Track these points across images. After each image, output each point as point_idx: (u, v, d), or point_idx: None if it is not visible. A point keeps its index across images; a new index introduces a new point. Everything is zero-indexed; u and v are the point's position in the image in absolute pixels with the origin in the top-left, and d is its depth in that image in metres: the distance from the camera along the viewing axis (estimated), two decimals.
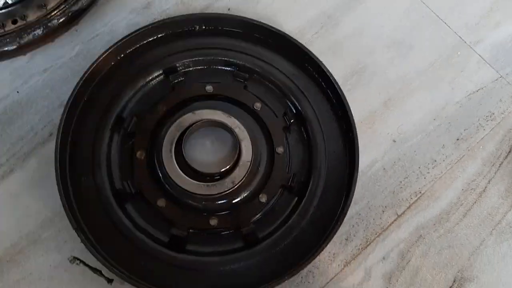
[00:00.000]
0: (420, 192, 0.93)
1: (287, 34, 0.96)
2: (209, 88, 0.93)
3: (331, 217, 0.85)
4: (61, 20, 0.95)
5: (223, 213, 0.85)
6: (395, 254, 0.88)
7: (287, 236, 0.84)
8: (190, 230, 0.84)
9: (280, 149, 0.90)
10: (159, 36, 0.97)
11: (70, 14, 0.96)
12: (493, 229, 0.91)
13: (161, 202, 0.84)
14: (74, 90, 0.86)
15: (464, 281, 0.88)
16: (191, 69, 0.96)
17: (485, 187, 0.94)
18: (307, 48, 0.95)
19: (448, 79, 1.03)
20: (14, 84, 0.96)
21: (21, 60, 0.98)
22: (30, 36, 0.93)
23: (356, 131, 0.88)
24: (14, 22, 0.95)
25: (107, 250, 0.79)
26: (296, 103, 0.94)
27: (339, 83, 0.92)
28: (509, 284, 0.88)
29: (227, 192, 0.85)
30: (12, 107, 0.94)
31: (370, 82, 1.01)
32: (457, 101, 1.01)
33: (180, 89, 0.93)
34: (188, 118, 0.88)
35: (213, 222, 0.84)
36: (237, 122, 0.88)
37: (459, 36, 1.07)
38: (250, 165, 0.86)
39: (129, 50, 0.95)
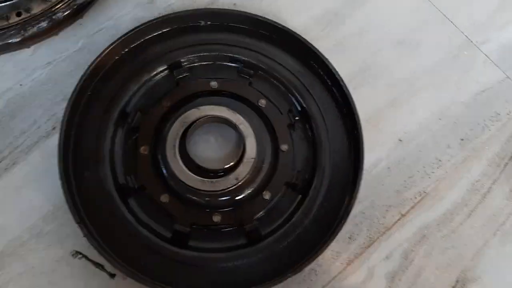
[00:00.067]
0: (425, 192, 0.92)
1: (293, 31, 0.95)
2: (213, 84, 0.92)
3: (335, 216, 0.84)
4: (66, 13, 0.95)
5: (227, 209, 0.85)
6: (399, 254, 0.88)
7: (290, 233, 0.84)
8: (193, 226, 0.83)
9: (284, 147, 0.89)
10: (164, 31, 0.96)
11: (75, 7, 0.96)
12: (497, 230, 0.91)
13: (164, 198, 0.84)
14: (78, 84, 0.86)
15: (467, 282, 0.87)
16: (196, 64, 0.95)
17: (490, 187, 0.94)
18: (312, 45, 0.94)
19: (454, 79, 1.02)
20: (17, 77, 0.96)
21: (24, 53, 0.97)
22: (35, 29, 0.93)
23: (361, 130, 0.88)
24: (18, 14, 0.94)
25: (110, 245, 0.79)
26: (301, 101, 0.93)
27: (344, 81, 0.92)
28: None
29: (231, 188, 0.84)
30: (15, 100, 0.94)
31: (375, 80, 1.01)
32: (463, 101, 1.01)
33: (185, 85, 0.93)
34: (193, 113, 0.88)
35: (216, 218, 0.84)
36: (241, 118, 0.88)
37: (466, 36, 1.06)
38: (254, 162, 0.86)
39: (133, 45, 0.94)
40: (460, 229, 0.90)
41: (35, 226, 0.85)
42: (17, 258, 0.84)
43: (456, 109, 1.00)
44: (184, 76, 0.94)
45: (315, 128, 0.91)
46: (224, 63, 0.96)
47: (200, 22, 0.97)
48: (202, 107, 0.88)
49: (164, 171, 0.85)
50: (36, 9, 0.94)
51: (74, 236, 0.84)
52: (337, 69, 0.92)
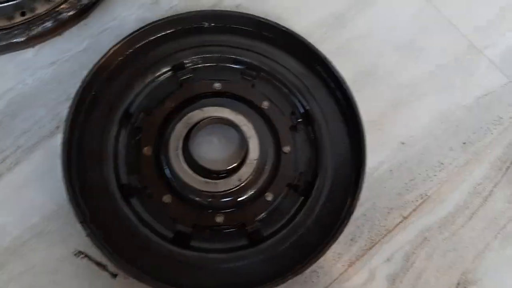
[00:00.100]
0: (426, 195, 0.93)
1: (297, 33, 0.95)
2: (217, 85, 0.93)
3: (336, 217, 0.84)
4: (71, 13, 0.95)
5: (229, 210, 0.85)
6: (400, 256, 0.88)
7: (292, 235, 0.84)
8: (195, 227, 0.83)
9: (287, 148, 0.90)
10: (168, 32, 0.96)
11: (80, 7, 0.96)
12: (498, 233, 0.91)
13: (166, 198, 0.84)
14: (82, 84, 0.86)
15: (468, 284, 0.88)
16: (199, 66, 0.96)
17: (492, 191, 0.94)
18: (316, 48, 0.94)
19: (457, 83, 1.03)
20: (21, 76, 0.96)
21: (28, 53, 0.98)
22: (40, 29, 0.93)
23: (364, 132, 0.88)
24: (23, 14, 0.94)
25: (112, 245, 0.79)
26: (304, 103, 0.93)
27: (347, 84, 0.92)
28: None
29: (233, 189, 0.85)
30: (18, 100, 0.94)
31: (378, 84, 1.01)
32: (466, 105, 1.01)
33: (188, 86, 0.93)
34: (196, 115, 0.88)
35: (219, 219, 0.84)
36: (244, 120, 0.88)
37: (469, 40, 1.06)
38: (257, 163, 0.86)
39: (137, 45, 0.94)
40: (462, 231, 0.91)
41: (37, 225, 0.86)
42: (19, 257, 0.84)
43: (459, 112, 1.00)
44: (187, 77, 0.94)
45: (318, 130, 0.91)
46: (228, 65, 0.96)
47: (204, 24, 0.97)
48: (205, 108, 0.88)
49: (167, 171, 0.85)
50: (41, 8, 0.95)
51: (76, 235, 0.84)
52: (340, 72, 0.92)
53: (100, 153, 0.86)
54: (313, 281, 0.85)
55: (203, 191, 0.84)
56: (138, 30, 0.93)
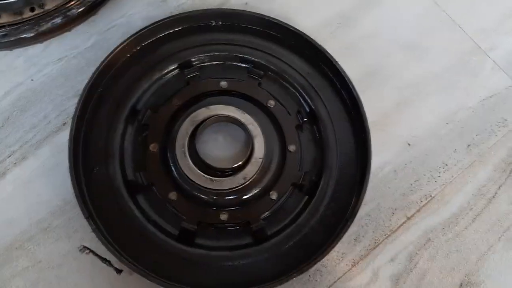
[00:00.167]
0: (430, 196, 0.93)
1: (303, 33, 0.96)
2: (223, 83, 0.93)
3: (341, 217, 0.85)
4: (80, 10, 0.96)
5: (233, 208, 0.86)
6: (403, 256, 0.88)
7: (296, 234, 0.84)
8: (200, 224, 0.84)
9: (292, 147, 0.90)
10: (176, 30, 0.97)
11: (89, 4, 0.97)
12: (501, 235, 0.91)
13: (172, 195, 0.85)
14: (89, 80, 0.87)
15: (470, 286, 0.88)
16: (206, 64, 0.96)
17: (495, 193, 0.94)
18: (322, 47, 0.94)
19: (462, 84, 1.03)
20: (29, 72, 0.97)
21: (36, 48, 0.98)
22: (49, 25, 0.93)
23: (369, 132, 0.88)
24: (32, 9, 0.95)
25: (117, 240, 0.80)
26: (310, 102, 0.94)
27: (353, 84, 0.92)
28: None
29: (238, 187, 0.85)
30: (26, 95, 0.95)
31: (384, 84, 1.01)
32: (470, 106, 1.01)
33: (195, 84, 0.94)
34: (202, 112, 0.88)
35: (223, 217, 0.84)
36: (250, 118, 0.88)
37: (474, 42, 1.07)
38: (262, 162, 0.86)
39: (145, 43, 0.95)
40: (465, 233, 0.91)
41: (43, 220, 0.86)
42: (24, 252, 0.84)
43: (464, 114, 1.00)
44: (194, 75, 0.95)
45: (323, 130, 0.92)
46: (234, 63, 0.97)
47: (211, 22, 0.98)
48: (211, 107, 0.89)
49: (173, 168, 0.86)
50: (50, 4, 0.95)
51: (82, 231, 0.85)
52: (346, 72, 0.92)
53: (107, 149, 0.86)
54: (316, 280, 0.86)
55: (208, 188, 0.84)
56: (146, 27, 0.93)
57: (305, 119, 0.93)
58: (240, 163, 0.87)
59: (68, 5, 0.95)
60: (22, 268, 0.84)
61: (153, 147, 0.87)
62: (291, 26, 0.96)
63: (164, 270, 0.79)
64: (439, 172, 0.95)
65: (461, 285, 0.88)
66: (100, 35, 1.00)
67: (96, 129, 0.88)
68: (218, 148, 0.93)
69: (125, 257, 0.77)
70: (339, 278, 0.86)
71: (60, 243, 0.85)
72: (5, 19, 0.93)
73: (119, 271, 0.83)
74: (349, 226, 0.82)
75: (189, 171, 0.84)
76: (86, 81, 0.87)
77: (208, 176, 0.84)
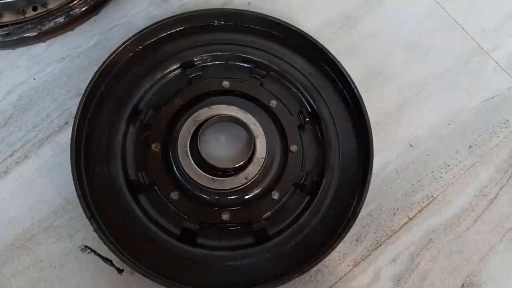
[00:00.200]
0: (432, 196, 0.93)
1: (306, 33, 0.96)
2: (225, 83, 0.93)
3: (342, 217, 0.85)
4: (83, 9, 0.96)
5: (235, 208, 0.86)
6: (405, 257, 0.88)
7: (298, 234, 0.84)
8: (202, 224, 0.84)
9: (294, 147, 0.90)
10: (178, 29, 0.97)
11: (92, 3, 0.97)
12: (503, 236, 0.91)
13: (174, 195, 0.85)
14: (91, 80, 0.87)
15: (472, 287, 0.88)
16: (208, 64, 0.96)
17: (497, 193, 0.94)
18: (325, 47, 0.95)
19: (464, 85, 1.03)
20: (31, 71, 0.97)
21: (38, 48, 0.98)
22: (52, 24, 0.94)
23: (371, 133, 0.88)
24: (34, 8, 0.95)
25: (119, 240, 0.80)
26: (312, 102, 0.94)
27: (355, 84, 0.92)
28: None
29: (240, 187, 0.85)
30: (29, 94, 0.95)
31: (386, 84, 1.01)
32: (472, 107, 1.01)
33: (197, 84, 0.94)
34: (204, 112, 0.88)
35: (225, 216, 0.84)
36: (252, 118, 0.89)
37: (477, 42, 1.07)
38: (264, 162, 0.86)
39: (147, 43, 0.95)
40: (467, 234, 0.91)
41: (45, 219, 0.86)
42: (26, 251, 0.84)
43: (466, 115, 1.00)
44: (196, 75, 0.95)
45: (325, 130, 0.92)
46: (237, 63, 0.97)
47: (214, 22, 0.98)
48: (213, 106, 0.89)
49: (175, 168, 0.86)
50: (53, 4, 0.95)
51: (83, 230, 0.85)
52: (348, 72, 0.92)
53: (109, 149, 0.86)
54: (317, 280, 0.86)
55: (210, 188, 0.84)
56: (148, 27, 0.93)
57: (307, 119, 0.93)
58: (242, 163, 0.87)
59: (71, 5, 0.95)
60: (23, 267, 0.84)
61: (155, 147, 0.87)
62: (293, 26, 0.96)
63: (165, 270, 0.79)
64: (441, 173, 0.95)
65: (462, 286, 0.88)
66: (103, 35, 1.00)
67: (98, 129, 0.88)
68: (220, 148, 0.93)
69: (127, 256, 0.77)
70: (340, 279, 0.86)
71: (62, 242, 0.85)
72: (8, 18, 0.93)
73: (120, 271, 0.83)
74: (351, 226, 0.82)
75: (191, 171, 0.84)
76: (88, 80, 0.87)
77: (210, 176, 0.84)
